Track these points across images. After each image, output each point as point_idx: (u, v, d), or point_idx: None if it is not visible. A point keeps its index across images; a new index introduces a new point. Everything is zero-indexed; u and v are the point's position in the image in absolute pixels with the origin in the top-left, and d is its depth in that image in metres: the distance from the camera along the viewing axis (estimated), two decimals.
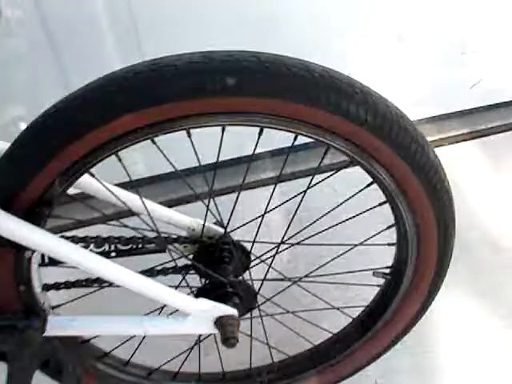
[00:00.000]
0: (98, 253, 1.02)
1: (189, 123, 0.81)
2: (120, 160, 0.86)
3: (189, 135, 0.84)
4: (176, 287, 1.02)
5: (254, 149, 0.89)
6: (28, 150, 0.82)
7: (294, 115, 0.82)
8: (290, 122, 0.83)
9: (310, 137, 0.86)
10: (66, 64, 1.51)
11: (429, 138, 1.78)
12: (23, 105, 1.53)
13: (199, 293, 1.00)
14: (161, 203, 1.06)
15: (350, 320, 1.16)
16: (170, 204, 1.66)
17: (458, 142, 1.84)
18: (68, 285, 1.07)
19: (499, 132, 1.86)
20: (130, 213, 1.02)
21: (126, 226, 1.00)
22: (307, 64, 0.82)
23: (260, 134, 0.86)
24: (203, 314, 0.94)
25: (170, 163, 0.94)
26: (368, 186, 0.96)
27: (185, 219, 1.06)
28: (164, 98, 0.78)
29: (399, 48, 1.79)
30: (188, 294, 0.99)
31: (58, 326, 0.96)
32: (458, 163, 1.77)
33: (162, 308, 1.05)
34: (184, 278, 1.03)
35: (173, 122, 0.81)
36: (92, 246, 1.02)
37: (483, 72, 1.88)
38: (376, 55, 1.77)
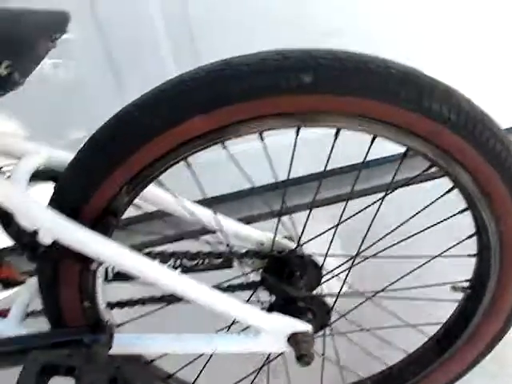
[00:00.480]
0: None
1: (262, 125, 0.78)
2: (189, 165, 0.83)
3: (262, 139, 0.81)
4: (248, 299, 0.99)
5: (329, 155, 0.85)
6: (92, 160, 0.80)
7: (373, 114, 0.78)
8: (368, 123, 0.79)
9: (389, 138, 0.81)
10: (127, 85, 1.51)
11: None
12: (84, 127, 1.53)
13: (271, 308, 0.95)
14: None
15: (426, 339, 1.09)
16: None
17: None
18: (132, 303, 1.04)
19: None
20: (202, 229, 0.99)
21: (193, 238, 0.96)
22: (385, 60, 0.78)
23: (336, 136, 0.81)
24: (276, 330, 0.89)
25: (246, 176, 0.90)
26: (449, 191, 0.90)
27: (254, 233, 1.02)
28: (237, 97, 0.74)
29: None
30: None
31: (123, 344, 0.92)
32: None
33: (229, 327, 1.01)
34: (254, 293, 0.98)
35: (245, 123, 0.77)
36: (157, 261, 1.00)
37: None
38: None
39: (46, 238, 0.79)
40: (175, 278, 0.84)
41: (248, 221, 1.66)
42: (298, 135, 0.81)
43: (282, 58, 0.75)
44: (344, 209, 0.96)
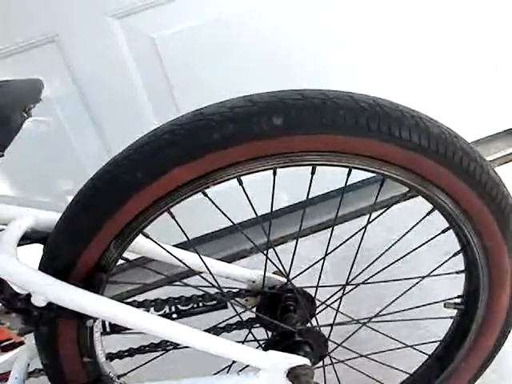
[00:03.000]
0: (158, 316, 1.00)
1: (240, 170, 0.80)
2: (173, 217, 0.85)
3: (240, 183, 0.83)
4: (243, 342, 0.99)
5: (309, 189, 0.87)
6: (78, 219, 0.81)
7: (346, 148, 0.80)
8: (343, 157, 0.81)
9: (365, 169, 0.83)
10: (107, 135, 1.54)
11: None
12: (70, 177, 1.55)
13: (268, 345, 0.96)
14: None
15: (426, 357, 1.10)
16: (226, 260, 1.67)
17: (506, 162, 1.79)
18: (132, 352, 1.04)
19: None
20: (188, 272, 1.00)
21: (186, 285, 0.97)
22: (352, 95, 0.80)
23: (313, 173, 0.83)
24: (274, 367, 0.90)
25: (226, 216, 0.91)
26: (429, 213, 0.92)
27: (244, 272, 1.03)
28: (212, 146, 0.76)
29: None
30: (256, 348, 0.96)
31: None
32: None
33: (230, 366, 1.02)
34: (250, 331, 0.99)
35: (223, 170, 0.79)
36: (152, 309, 1.01)
37: None
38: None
39: (39, 301, 0.80)
40: (169, 327, 0.85)
41: (233, 258, 1.70)
42: (275, 176, 0.83)
43: (252, 104, 0.77)
44: (330, 239, 0.98)
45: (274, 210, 0.89)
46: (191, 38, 1.46)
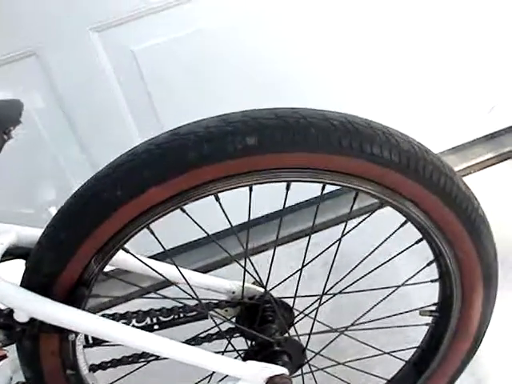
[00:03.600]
0: (140, 327, 1.02)
1: (216, 187, 0.82)
2: (152, 233, 0.87)
3: (217, 200, 0.85)
4: (223, 352, 1.02)
5: (284, 204, 0.89)
6: (60, 236, 0.83)
7: (319, 165, 0.82)
8: (316, 173, 0.83)
9: (338, 185, 0.86)
10: (90, 147, 1.56)
11: (455, 168, 1.80)
12: (53, 189, 1.57)
13: (247, 355, 0.98)
14: (197, 270, 1.06)
15: (403, 364, 1.13)
16: (206, 269, 1.70)
17: (484, 168, 1.82)
18: (114, 363, 1.06)
19: None
20: (168, 283, 1.02)
21: (166, 298, 0.99)
22: (324, 113, 0.82)
23: (288, 188, 0.86)
24: (254, 376, 0.92)
25: (202, 228, 0.94)
26: (402, 225, 0.94)
27: (224, 283, 1.05)
28: (188, 165, 0.78)
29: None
30: (236, 358, 0.99)
31: None
32: (489, 188, 1.75)
33: (211, 375, 1.04)
34: (229, 342, 1.01)
35: (200, 188, 0.81)
36: (134, 321, 1.03)
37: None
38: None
39: (21, 317, 0.83)
40: (148, 339, 0.87)
41: (214, 267, 1.73)
42: (251, 192, 0.85)
43: (226, 124, 0.79)
44: (306, 250, 1.00)
45: (252, 218, 0.91)
46: (171, 51, 1.47)
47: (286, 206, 0.93)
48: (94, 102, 1.47)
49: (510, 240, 1.56)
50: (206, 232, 0.95)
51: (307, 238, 1.25)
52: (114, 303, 1.51)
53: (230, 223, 0.91)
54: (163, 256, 1.04)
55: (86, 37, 1.40)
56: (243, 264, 0.96)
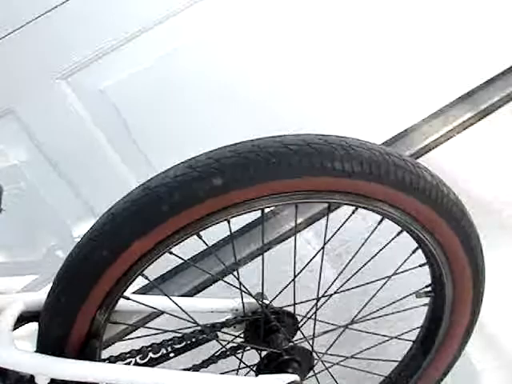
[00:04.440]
0: (157, 358, 1.08)
1: (196, 228, 0.87)
2: (147, 278, 0.92)
3: (200, 237, 0.90)
4: (237, 370, 1.08)
5: (262, 234, 0.93)
6: (61, 299, 0.89)
7: (286, 189, 0.87)
8: (285, 196, 0.87)
9: (311, 201, 0.91)
10: (82, 191, 1.62)
11: (437, 134, 1.83)
12: (54, 234, 1.63)
13: (259, 369, 1.04)
14: (189, 292, 1.11)
15: (411, 344, 1.18)
16: (197, 290, 1.75)
17: (466, 128, 1.85)
18: None
19: (502, 104, 1.86)
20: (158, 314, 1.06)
21: (174, 331, 1.05)
22: (282, 139, 0.86)
23: (263, 215, 0.91)
24: None
25: (204, 241, 0.94)
26: (379, 223, 0.98)
27: (225, 303, 1.10)
28: (164, 215, 0.83)
29: None
30: (249, 372, 1.05)
31: None
32: (473, 148, 1.78)
33: None
34: (240, 360, 1.07)
35: (181, 231, 0.86)
36: (150, 353, 1.09)
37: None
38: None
39: (42, 381, 0.89)
40: (164, 376, 0.92)
41: (198, 290, 1.77)
42: (230, 225, 0.90)
43: (192, 170, 0.84)
44: (295, 255, 1.05)
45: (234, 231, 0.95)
46: (139, 82, 1.51)
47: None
48: (75, 145, 1.52)
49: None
50: (206, 244, 0.98)
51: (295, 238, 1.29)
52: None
53: (210, 249, 0.96)
54: (149, 288, 1.09)
55: (54, 86, 1.45)
56: (235, 281, 1.01)
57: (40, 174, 1.56)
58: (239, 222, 1.75)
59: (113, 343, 1.27)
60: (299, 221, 1.73)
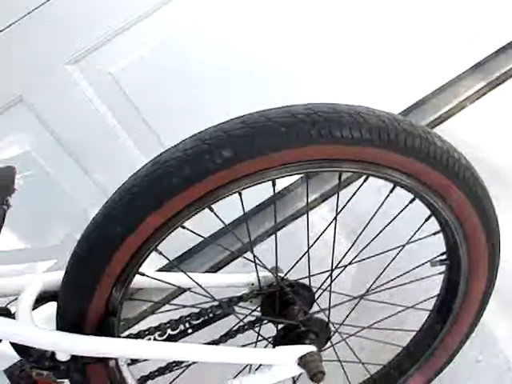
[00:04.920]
0: (175, 334, 1.09)
1: (208, 201, 0.87)
2: (161, 253, 0.93)
3: (211, 211, 0.90)
4: (255, 343, 1.09)
5: (274, 205, 0.94)
6: (77, 278, 0.90)
7: (296, 159, 0.87)
8: (296, 166, 0.88)
9: (320, 171, 0.91)
10: (96, 174, 1.64)
11: (449, 105, 1.81)
12: (70, 219, 1.65)
13: (276, 341, 1.05)
14: (207, 271, 1.12)
15: (428, 313, 1.18)
16: (218, 267, 1.77)
17: (478, 98, 1.83)
18: (161, 371, 1.14)
19: None
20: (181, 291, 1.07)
21: (192, 306, 1.06)
22: (290, 109, 0.86)
23: (274, 185, 0.91)
24: (285, 360, 0.99)
25: (216, 215, 0.94)
26: (392, 190, 0.98)
27: (241, 277, 1.11)
28: (175, 189, 0.84)
29: None
30: (268, 344, 1.06)
31: None
32: (486, 118, 1.77)
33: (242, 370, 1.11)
34: (258, 333, 1.08)
35: (193, 204, 0.87)
36: (169, 330, 1.10)
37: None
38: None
39: (63, 356, 0.90)
40: (180, 349, 0.94)
41: (218, 267, 1.79)
42: (241, 198, 0.90)
43: (201, 143, 0.84)
44: (308, 228, 1.05)
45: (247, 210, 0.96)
46: (149, 63, 1.52)
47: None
48: (87, 130, 1.53)
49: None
50: (224, 223, 0.98)
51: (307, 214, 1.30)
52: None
53: (225, 225, 0.97)
54: (169, 267, 1.10)
55: (64, 71, 1.46)
56: (249, 256, 1.02)
57: (54, 160, 1.57)
58: (253, 200, 1.77)
59: (134, 324, 1.28)
60: (314, 197, 1.73)
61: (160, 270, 1.55)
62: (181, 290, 1.52)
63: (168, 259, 1.00)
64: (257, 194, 0.95)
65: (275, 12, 1.59)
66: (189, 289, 1.07)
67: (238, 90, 1.62)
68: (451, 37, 1.84)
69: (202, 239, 1.05)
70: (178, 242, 0.96)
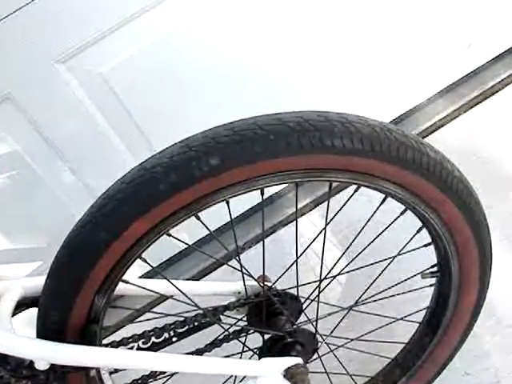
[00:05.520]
0: (159, 342, 1.07)
1: (194, 209, 0.85)
2: (145, 261, 0.91)
3: (198, 218, 0.88)
4: (240, 353, 1.06)
5: (262, 214, 0.92)
6: (59, 284, 0.88)
7: (285, 168, 0.85)
8: (285, 175, 0.86)
9: (310, 181, 0.89)
10: (85, 175, 1.61)
11: (444, 113, 1.80)
12: (58, 220, 1.62)
13: (262, 352, 1.03)
14: (193, 277, 1.10)
15: (417, 325, 1.17)
16: (202, 275, 1.74)
17: (472, 106, 1.82)
18: (144, 380, 1.12)
19: (510, 82, 1.83)
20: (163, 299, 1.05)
21: (176, 315, 1.04)
22: (281, 117, 0.84)
23: (262, 194, 0.89)
24: (271, 372, 0.97)
25: (203, 223, 0.92)
26: (383, 201, 0.96)
27: (227, 286, 1.09)
28: (161, 196, 0.82)
29: None
30: (253, 355, 1.03)
31: None
32: (480, 127, 1.75)
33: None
34: (244, 344, 1.06)
35: (179, 212, 0.85)
36: (153, 338, 1.07)
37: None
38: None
39: (42, 365, 0.88)
40: (163, 360, 0.92)
41: (203, 275, 1.76)
42: (228, 205, 0.88)
43: (188, 149, 0.82)
44: (296, 237, 1.03)
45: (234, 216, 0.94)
46: (138, 63, 1.49)
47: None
48: (76, 130, 1.50)
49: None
50: (208, 229, 0.97)
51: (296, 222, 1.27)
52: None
53: (211, 233, 0.94)
54: (153, 273, 1.08)
55: (52, 70, 1.43)
56: (236, 264, 1.00)
57: (42, 160, 1.54)
58: (243, 205, 1.75)
59: (116, 330, 1.26)
60: (304, 203, 1.72)
61: (142, 275, 1.54)
62: (164, 298, 1.50)
63: (152, 266, 0.98)
64: (245, 199, 0.92)
65: (267, 16, 1.57)
66: (171, 296, 1.05)
67: (230, 95, 1.59)
68: (446, 44, 1.82)
69: (187, 246, 1.03)
70: (161, 248, 0.94)
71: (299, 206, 1.73)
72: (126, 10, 1.42)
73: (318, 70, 1.71)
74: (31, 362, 0.88)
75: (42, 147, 1.52)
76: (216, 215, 0.93)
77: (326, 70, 1.72)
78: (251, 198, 0.89)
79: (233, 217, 0.93)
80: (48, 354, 0.87)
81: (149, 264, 0.93)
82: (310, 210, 1.75)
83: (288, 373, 0.97)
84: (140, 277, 1.42)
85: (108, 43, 1.44)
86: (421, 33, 1.78)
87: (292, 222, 1.73)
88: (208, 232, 0.94)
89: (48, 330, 0.90)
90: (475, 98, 1.84)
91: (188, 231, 0.90)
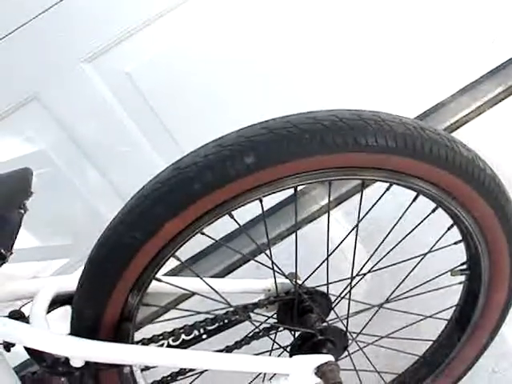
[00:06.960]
0: (190, 339, 1.08)
1: (228, 208, 0.85)
2: (179, 260, 0.91)
3: (231, 217, 0.88)
4: (270, 351, 1.07)
5: (296, 210, 0.92)
6: (93, 282, 0.89)
7: (319, 166, 0.85)
8: (319, 174, 0.86)
9: (343, 179, 0.89)
10: (111, 175, 1.62)
11: (467, 110, 1.79)
12: (84, 219, 1.63)
13: (292, 350, 1.03)
14: (220, 272, 1.10)
15: (446, 323, 1.16)
16: (228, 270, 1.74)
17: (496, 103, 1.81)
18: (174, 376, 1.12)
19: None
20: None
21: (206, 313, 1.04)
22: (315, 115, 0.84)
23: (295, 192, 0.89)
24: (302, 369, 0.97)
25: (236, 221, 0.92)
26: (414, 199, 0.96)
27: (258, 283, 1.09)
28: (195, 195, 0.82)
29: None
30: (283, 352, 1.04)
31: None
32: (504, 124, 1.74)
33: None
34: (274, 340, 1.06)
35: (213, 211, 0.85)
36: (183, 335, 1.08)
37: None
38: None
39: (77, 362, 0.89)
40: (193, 357, 0.92)
41: (231, 269, 1.76)
42: (262, 204, 0.89)
43: (222, 149, 0.82)
44: (328, 236, 1.03)
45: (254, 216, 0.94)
46: (165, 62, 1.50)
47: None
48: (102, 129, 1.52)
49: None
50: (238, 224, 0.96)
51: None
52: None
53: (242, 229, 0.94)
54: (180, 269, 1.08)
55: (79, 69, 1.45)
56: (267, 261, 1.00)
57: (69, 160, 1.56)
58: (269, 201, 1.74)
59: (146, 325, 1.26)
60: (327, 200, 1.71)
61: (172, 270, 1.55)
62: (189, 295, 1.50)
63: (184, 264, 0.98)
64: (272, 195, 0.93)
65: (295, 16, 1.58)
66: (203, 295, 1.05)
67: (255, 92, 1.60)
68: (470, 40, 1.81)
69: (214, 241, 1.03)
70: (190, 243, 0.94)
71: (322, 204, 1.73)
72: (151, 9, 1.43)
73: (342, 68, 1.71)
74: (67, 359, 0.90)
75: (69, 146, 1.53)
76: (241, 209, 0.93)
77: (351, 68, 1.72)
78: (274, 196, 0.89)
79: (251, 217, 0.93)
80: (84, 351, 0.88)
81: (182, 262, 0.93)
82: (334, 207, 1.75)
83: (319, 370, 0.98)
84: (167, 273, 1.45)
85: (133, 42, 1.45)
86: (445, 29, 1.76)
87: (316, 219, 1.73)
88: (235, 227, 0.94)
89: (82, 328, 0.91)
90: (499, 95, 1.82)
91: (215, 225, 0.90)
